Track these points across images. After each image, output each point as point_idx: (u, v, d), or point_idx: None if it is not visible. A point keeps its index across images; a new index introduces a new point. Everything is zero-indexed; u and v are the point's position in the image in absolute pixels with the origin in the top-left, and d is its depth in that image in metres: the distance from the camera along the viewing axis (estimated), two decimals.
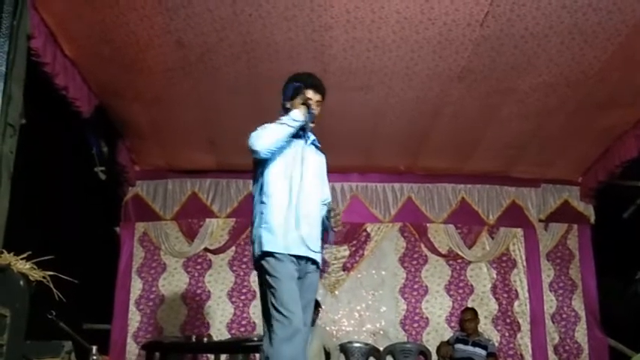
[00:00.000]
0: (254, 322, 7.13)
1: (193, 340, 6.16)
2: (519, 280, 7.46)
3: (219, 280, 7.31)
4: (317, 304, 6.75)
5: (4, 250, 3.09)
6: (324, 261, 7.33)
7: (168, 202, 7.41)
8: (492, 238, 7.55)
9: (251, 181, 7.17)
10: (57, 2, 4.36)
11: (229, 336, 7.02)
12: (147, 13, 4.49)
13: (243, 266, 7.33)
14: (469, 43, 4.81)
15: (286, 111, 3.72)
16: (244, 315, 7.20)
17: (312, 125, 3.69)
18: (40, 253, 3.40)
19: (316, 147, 3.81)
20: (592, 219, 7.54)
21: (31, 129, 3.16)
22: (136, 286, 7.24)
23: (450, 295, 7.39)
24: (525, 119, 6.03)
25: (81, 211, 6.13)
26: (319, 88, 3.77)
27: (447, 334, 7.11)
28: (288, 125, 3.58)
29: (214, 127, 6.31)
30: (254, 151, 3.56)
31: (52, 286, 3.06)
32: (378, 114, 6.01)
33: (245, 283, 7.29)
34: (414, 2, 4.37)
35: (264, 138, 3.54)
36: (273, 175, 3.59)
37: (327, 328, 7.13)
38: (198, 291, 7.27)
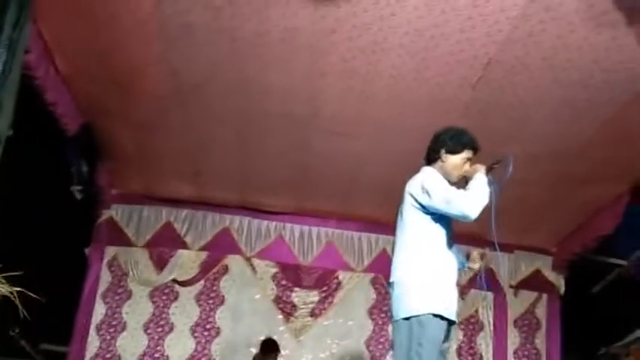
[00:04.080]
0: None
1: None
2: (485, 344, 7.43)
3: (183, 314, 7.16)
4: (276, 348, 6.62)
5: None
6: (293, 304, 7.29)
7: (142, 228, 7.28)
8: (462, 299, 7.52)
9: (229, 216, 7.22)
10: (56, 16, 4.32)
11: None
12: (145, 39, 4.49)
13: (210, 301, 7.21)
14: (459, 104, 4.88)
15: (434, 159, 3.66)
16: (205, 352, 7.04)
17: None
18: (7, 267, 3.31)
19: None
20: (562, 290, 7.54)
21: (12, 141, 3.11)
22: (99, 310, 7.06)
23: None
24: (506, 186, 6.06)
25: (52, 228, 6.04)
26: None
27: None
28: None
29: (199, 158, 6.28)
30: (467, 218, 3.26)
31: (18, 302, 2.96)
32: (361, 162, 6.03)
33: (210, 319, 7.15)
34: (411, 59, 4.43)
35: (481, 206, 3.31)
36: (444, 235, 3.46)
37: None
38: (162, 322, 7.11)
